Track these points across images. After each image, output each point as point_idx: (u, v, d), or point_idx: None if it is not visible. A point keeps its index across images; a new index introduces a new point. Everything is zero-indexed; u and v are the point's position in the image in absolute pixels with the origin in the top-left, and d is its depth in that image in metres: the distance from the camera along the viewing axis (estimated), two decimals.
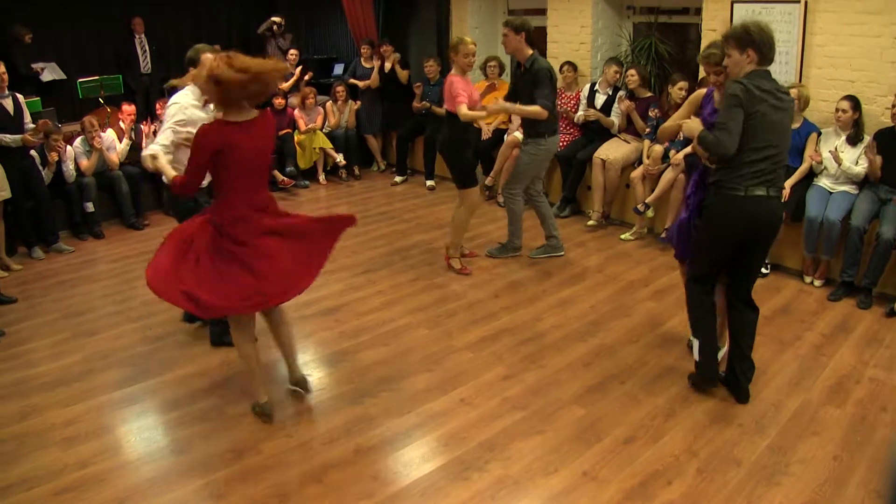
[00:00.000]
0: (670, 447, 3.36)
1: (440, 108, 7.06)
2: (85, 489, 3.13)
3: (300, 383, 3.86)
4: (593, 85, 6.86)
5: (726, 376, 3.79)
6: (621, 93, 6.63)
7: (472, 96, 5.23)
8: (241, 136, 3.30)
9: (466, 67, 5.27)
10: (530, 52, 5.26)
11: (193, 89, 4.08)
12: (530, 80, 5.22)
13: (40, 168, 6.18)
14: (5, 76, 5.63)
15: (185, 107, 4.08)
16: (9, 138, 5.59)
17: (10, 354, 4.42)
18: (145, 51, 9.18)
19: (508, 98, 5.54)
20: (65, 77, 8.55)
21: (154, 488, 3.13)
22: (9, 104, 5.66)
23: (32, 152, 6.06)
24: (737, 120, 3.32)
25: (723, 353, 3.92)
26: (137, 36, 9.08)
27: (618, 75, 6.68)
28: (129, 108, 7.19)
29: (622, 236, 6.24)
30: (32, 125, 5.87)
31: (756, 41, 3.33)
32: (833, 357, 4.16)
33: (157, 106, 7.42)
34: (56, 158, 6.35)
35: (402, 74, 8.31)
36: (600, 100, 6.76)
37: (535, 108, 5.17)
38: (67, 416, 3.71)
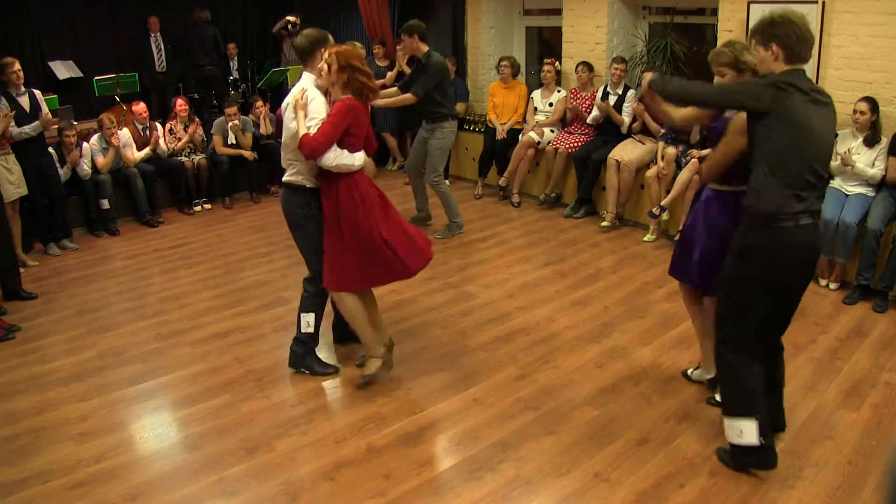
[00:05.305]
0: (683, 449, 3.34)
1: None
2: (99, 483, 3.16)
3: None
4: (606, 86, 6.84)
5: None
6: (632, 92, 6.61)
7: None
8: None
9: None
10: (426, 48, 5.92)
11: (310, 76, 3.88)
12: (423, 72, 5.88)
13: (58, 166, 6.22)
14: (21, 73, 5.68)
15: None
16: (28, 128, 5.65)
17: (25, 350, 4.47)
18: (160, 49, 9.25)
19: (402, 88, 6.07)
20: (81, 75, 8.63)
21: (167, 484, 3.15)
22: (25, 101, 5.71)
23: (50, 149, 6.12)
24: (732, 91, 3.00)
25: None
26: (153, 35, 9.16)
27: (618, 71, 6.66)
28: (139, 108, 7.15)
29: (645, 238, 6.22)
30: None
31: (779, 34, 2.82)
32: (848, 361, 4.13)
33: (178, 102, 7.43)
34: (77, 158, 6.40)
35: None
36: (611, 100, 6.75)
37: (404, 97, 5.89)
38: (82, 411, 3.75)
